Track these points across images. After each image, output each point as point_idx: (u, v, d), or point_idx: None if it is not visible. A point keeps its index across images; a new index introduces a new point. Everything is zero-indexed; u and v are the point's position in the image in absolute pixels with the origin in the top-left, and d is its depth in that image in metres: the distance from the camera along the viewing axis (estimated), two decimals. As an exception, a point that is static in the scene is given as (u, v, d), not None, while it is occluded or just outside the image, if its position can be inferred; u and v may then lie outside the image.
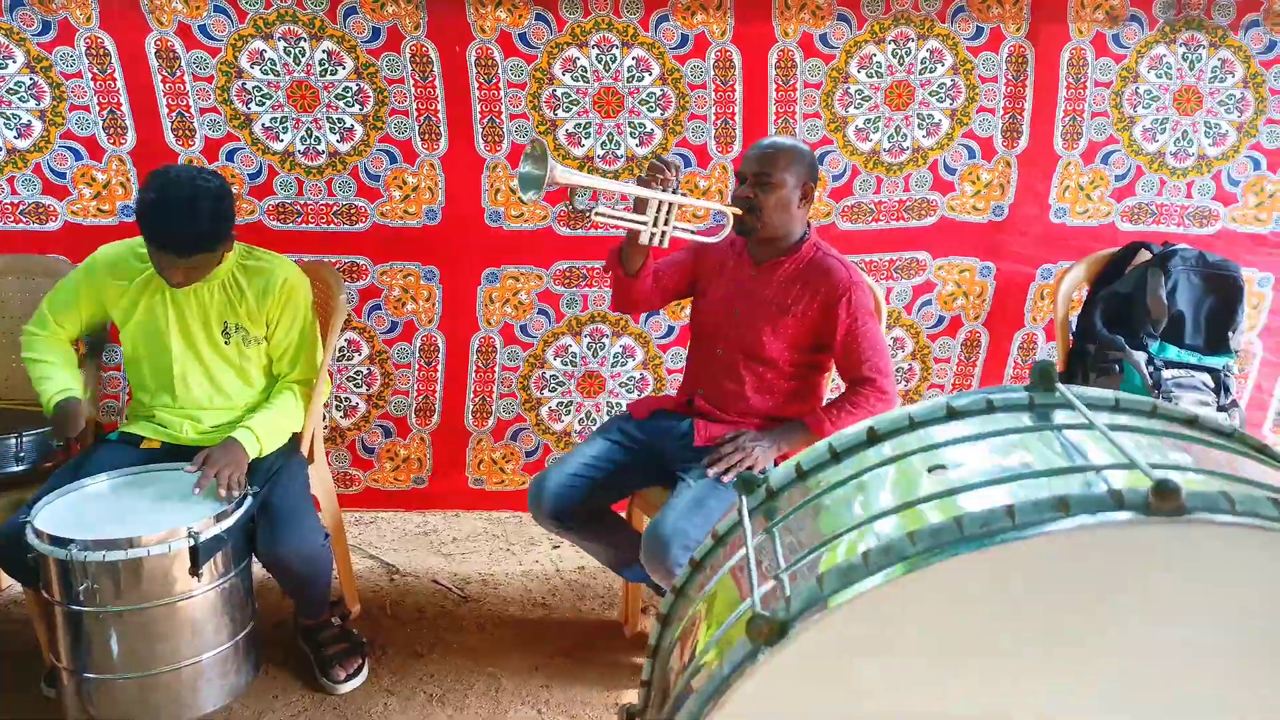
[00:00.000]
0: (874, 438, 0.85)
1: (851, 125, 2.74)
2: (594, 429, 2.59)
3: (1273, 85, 2.72)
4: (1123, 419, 0.82)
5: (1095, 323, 2.62)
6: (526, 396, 2.95)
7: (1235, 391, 2.65)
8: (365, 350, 2.87)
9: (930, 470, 0.79)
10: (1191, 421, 0.84)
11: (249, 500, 2.09)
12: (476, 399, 2.94)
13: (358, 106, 2.62)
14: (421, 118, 2.63)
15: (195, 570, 1.95)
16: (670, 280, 2.33)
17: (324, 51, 2.56)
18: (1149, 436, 0.80)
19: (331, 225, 2.72)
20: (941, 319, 2.96)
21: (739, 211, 2.16)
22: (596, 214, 2.02)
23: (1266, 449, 0.85)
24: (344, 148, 2.65)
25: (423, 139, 2.65)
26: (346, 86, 2.60)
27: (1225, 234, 2.86)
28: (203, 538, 1.94)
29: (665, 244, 2.09)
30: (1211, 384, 2.54)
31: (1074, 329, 2.71)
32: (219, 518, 2.00)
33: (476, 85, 2.62)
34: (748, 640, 0.72)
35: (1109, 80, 2.71)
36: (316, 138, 2.64)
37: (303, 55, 2.56)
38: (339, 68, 2.58)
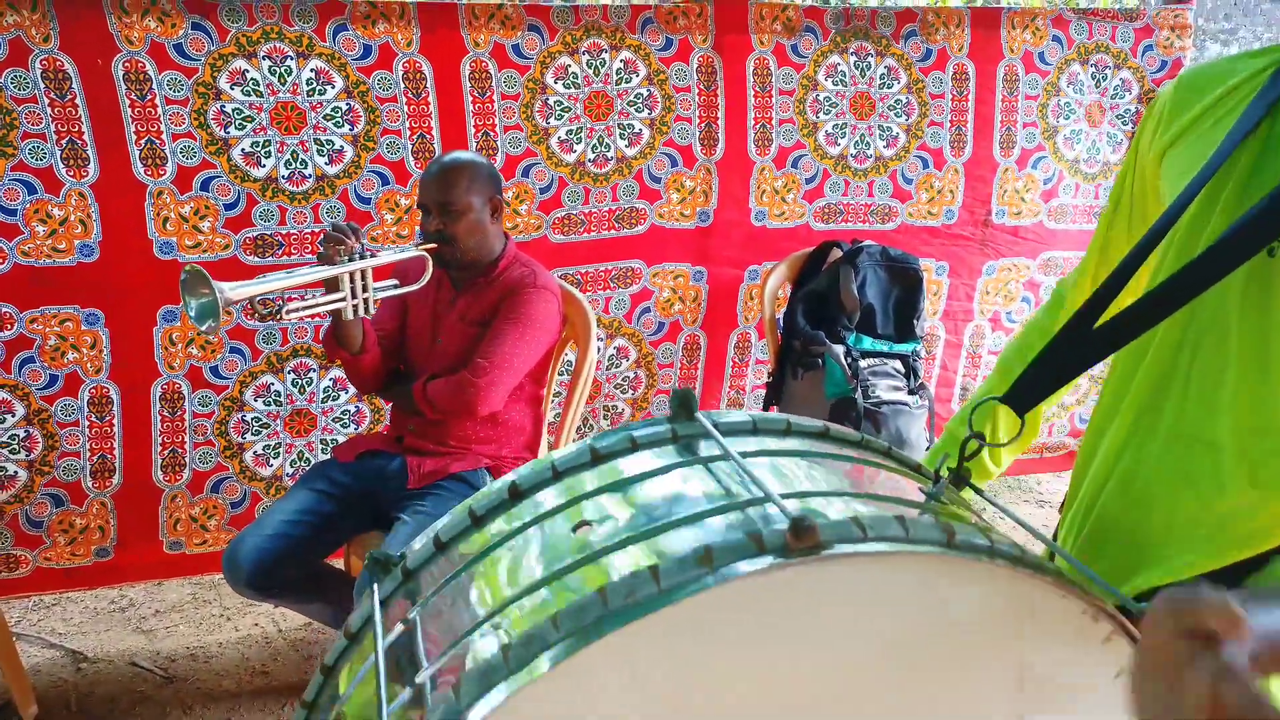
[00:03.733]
0: (516, 494, 0.77)
1: (554, 136, 2.69)
2: (308, 468, 2.38)
3: (932, 90, 2.98)
4: (759, 443, 0.80)
5: (798, 320, 2.74)
6: (226, 443, 2.66)
7: (924, 374, 2.88)
8: (20, 410, 2.46)
9: (575, 528, 0.72)
10: (823, 435, 0.83)
11: None
12: (165, 451, 2.62)
13: (-23, 128, 2.24)
14: (63, 141, 2.29)
15: None
16: (390, 329, 2.22)
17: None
18: (786, 459, 0.79)
19: (-42, 268, 2.31)
20: (661, 325, 2.99)
21: (432, 248, 2.05)
22: (288, 312, 1.88)
23: (891, 453, 0.86)
24: (-36, 177, 2.26)
25: (66, 165, 2.31)
26: (-40, 105, 2.21)
27: (905, 228, 3.10)
28: None
29: (371, 311, 1.98)
30: (903, 369, 2.73)
31: (781, 327, 2.82)
32: None
33: (128, 102, 2.31)
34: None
35: (792, 88, 2.85)
36: (-74, 166, 2.23)
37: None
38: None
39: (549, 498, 0.77)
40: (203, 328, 1.75)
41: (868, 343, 2.73)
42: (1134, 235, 1.06)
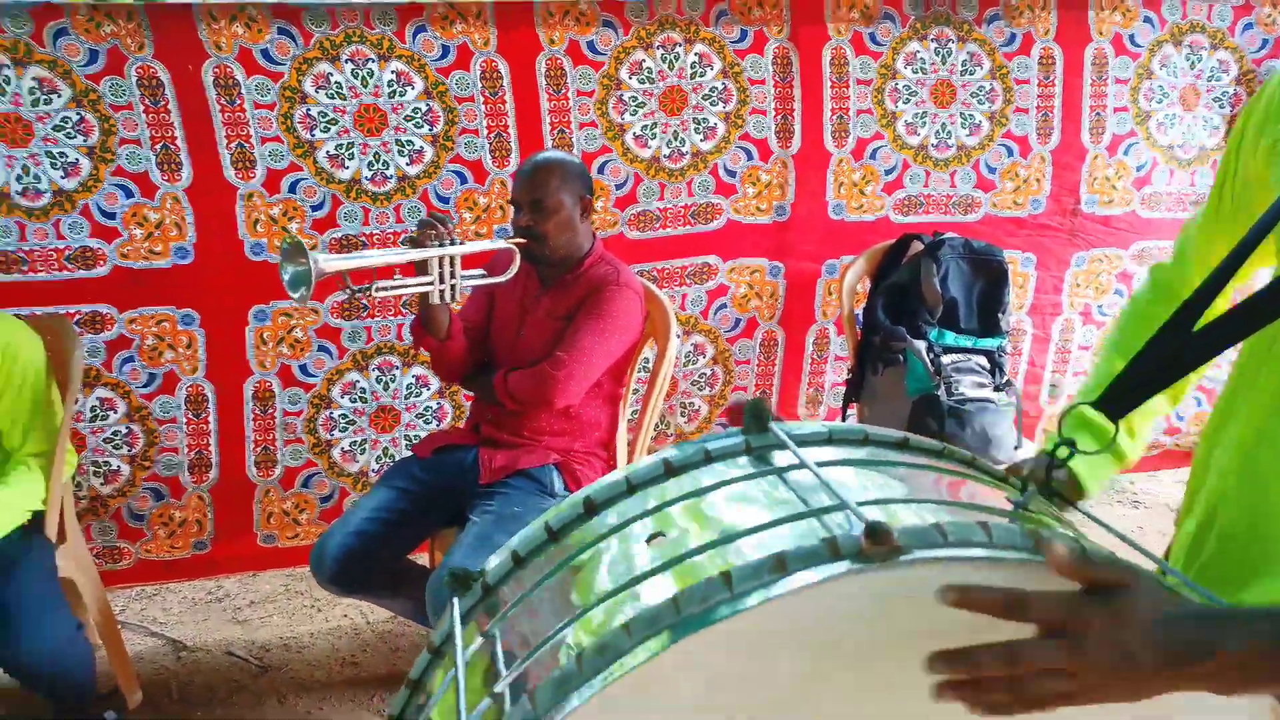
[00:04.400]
0: (591, 508, 0.78)
1: (630, 132, 2.69)
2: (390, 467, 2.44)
3: (1017, 75, 2.89)
4: (835, 452, 0.78)
5: (878, 314, 2.69)
6: (315, 439, 2.74)
7: (1009, 370, 2.79)
8: (121, 408, 2.57)
9: (649, 540, 0.72)
10: (902, 445, 0.81)
11: (-25, 599, 1.84)
12: (258, 448, 2.71)
13: (81, 137, 2.33)
14: (157, 146, 2.38)
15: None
16: (476, 321, 2.25)
17: (34, 79, 2.27)
18: (862, 469, 0.77)
19: (64, 272, 2.42)
20: (738, 321, 2.97)
21: (521, 242, 2.08)
22: (378, 289, 1.93)
23: (975, 462, 0.84)
24: (69, 185, 2.36)
25: (161, 170, 2.40)
26: (65, 116, 2.31)
27: (989, 219, 3.01)
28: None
29: (458, 298, 2.02)
30: (988, 365, 2.65)
31: (860, 322, 2.78)
32: (-65, 626, 1.75)
33: (219, 108, 2.39)
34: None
35: (870, 78, 2.80)
36: (36, 175, 2.34)
37: (8, 85, 2.26)
38: (53, 96, 2.29)
39: (623, 511, 0.77)
40: (294, 295, 1.80)
41: (950, 338, 2.66)
42: (1238, 227, 1.00)
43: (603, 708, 0.60)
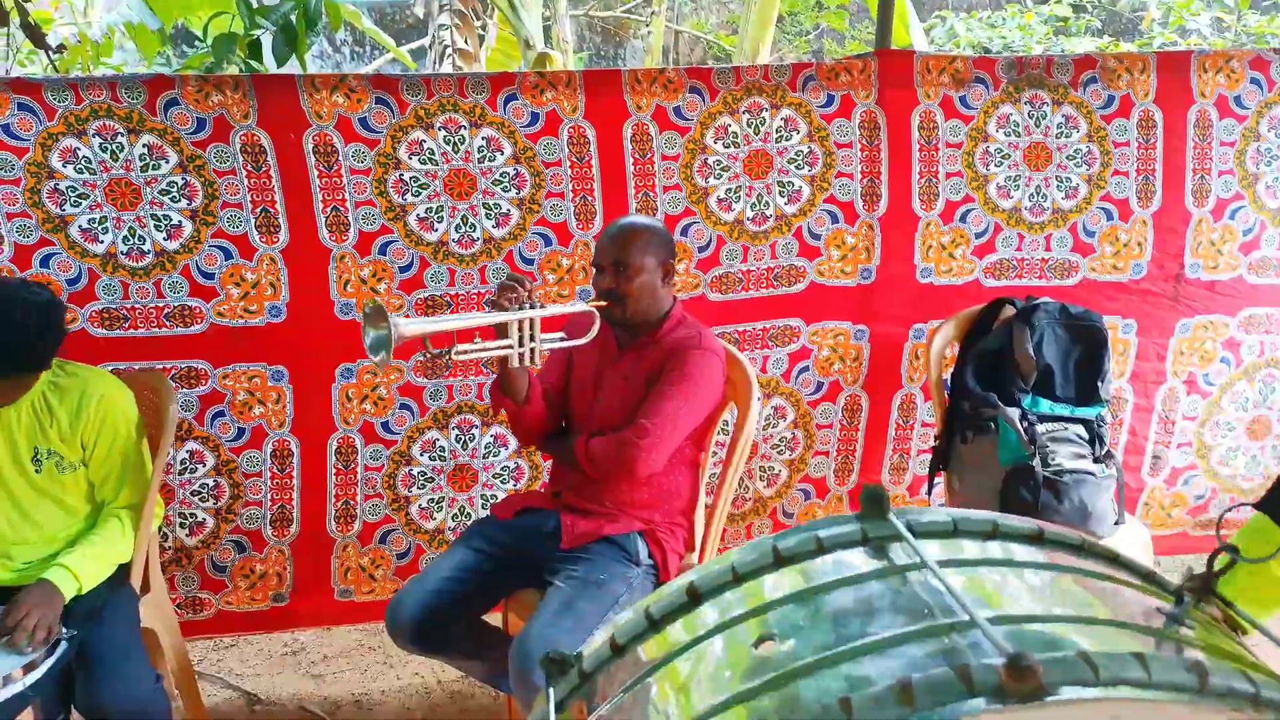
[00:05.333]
0: (695, 596, 0.73)
1: (714, 195, 2.69)
2: (468, 525, 2.43)
3: (1115, 139, 2.80)
4: (962, 547, 0.72)
5: (968, 380, 2.59)
6: (393, 496, 2.76)
7: (1110, 441, 2.66)
8: (210, 461, 2.63)
9: (757, 642, 0.67)
10: (1036, 538, 0.75)
11: (62, 646, 1.87)
12: (339, 503, 2.73)
13: (184, 201, 2.43)
14: (257, 209, 2.46)
15: (-5, 733, 1.73)
16: (555, 384, 2.24)
17: (144, 146, 2.37)
18: (993, 569, 0.71)
19: (163, 329, 2.50)
20: (820, 385, 2.91)
21: (602, 304, 2.08)
22: (458, 353, 1.93)
23: (1119, 558, 0.76)
24: (171, 246, 2.45)
25: (260, 232, 2.48)
26: (171, 181, 2.41)
27: (1086, 283, 2.90)
28: (2, 697, 1.72)
29: (538, 361, 2.00)
30: (1085, 435, 2.53)
31: (948, 388, 2.69)
32: (25, 670, 1.78)
33: (317, 173, 2.46)
34: None
35: (959, 141, 2.74)
36: (140, 237, 2.43)
37: (120, 151, 2.37)
38: (161, 161, 2.39)
39: (729, 603, 0.73)
40: (376, 359, 1.81)
41: (1046, 405, 2.55)
42: None
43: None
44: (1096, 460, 2.51)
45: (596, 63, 10.08)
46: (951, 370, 2.72)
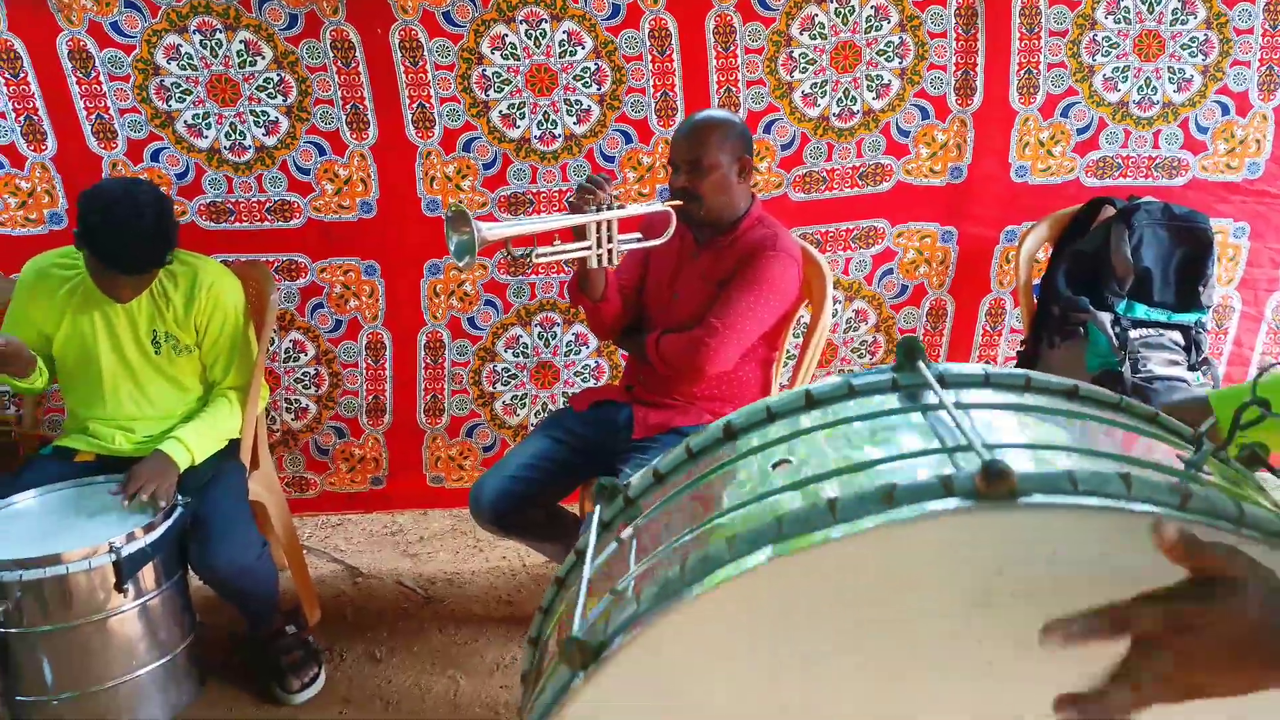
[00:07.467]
0: (731, 433, 0.78)
1: (798, 90, 2.63)
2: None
3: (1237, 25, 2.60)
4: (993, 396, 0.74)
5: (1059, 283, 2.52)
6: (479, 392, 2.87)
7: (1209, 348, 2.55)
8: (311, 350, 2.78)
9: (774, 466, 0.71)
10: (1070, 393, 0.75)
11: (178, 511, 2.05)
12: (428, 397, 2.86)
13: (280, 98, 2.52)
14: (348, 106, 2.53)
15: (120, 585, 1.92)
16: (631, 281, 2.27)
17: (241, 42, 2.46)
18: (1018, 413, 0.72)
19: (265, 223, 2.62)
20: (904, 288, 2.86)
21: (677, 204, 2.08)
22: (538, 255, 1.99)
23: (1158, 418, 0.76)
24: (270, 141, 2.55)
25: (350, 128, 2.55)
26: (267, 78, 2.50)
27: (1197, 184, 2.74)
28: (126, 552, 1.91)
29: (615, 261, 2.04)
30: (1182, 342, 2.44)
31: (1037, 292, 2.61)
32: (145, 530, 1.96)
33: (403, 69, 2.51)
34: (565, 667, 0.67)
35: (1064, 29, 2.59)
36: (241, 132, 2.54)
37: (220, 47, 2.46)
38: (258, 58, 2.48)
39: (762, 436, 0.77)
40: (460, 263, 1.87)
41: (1141, 310, 2.46)
42: None
43: (696, 612, 0.62)
44: (1191, 368, 2.42)
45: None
46: (1042, 274, 2.63)
